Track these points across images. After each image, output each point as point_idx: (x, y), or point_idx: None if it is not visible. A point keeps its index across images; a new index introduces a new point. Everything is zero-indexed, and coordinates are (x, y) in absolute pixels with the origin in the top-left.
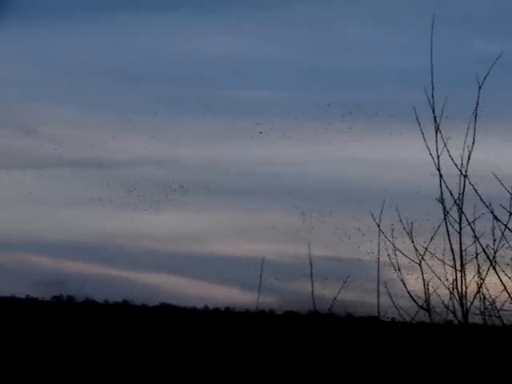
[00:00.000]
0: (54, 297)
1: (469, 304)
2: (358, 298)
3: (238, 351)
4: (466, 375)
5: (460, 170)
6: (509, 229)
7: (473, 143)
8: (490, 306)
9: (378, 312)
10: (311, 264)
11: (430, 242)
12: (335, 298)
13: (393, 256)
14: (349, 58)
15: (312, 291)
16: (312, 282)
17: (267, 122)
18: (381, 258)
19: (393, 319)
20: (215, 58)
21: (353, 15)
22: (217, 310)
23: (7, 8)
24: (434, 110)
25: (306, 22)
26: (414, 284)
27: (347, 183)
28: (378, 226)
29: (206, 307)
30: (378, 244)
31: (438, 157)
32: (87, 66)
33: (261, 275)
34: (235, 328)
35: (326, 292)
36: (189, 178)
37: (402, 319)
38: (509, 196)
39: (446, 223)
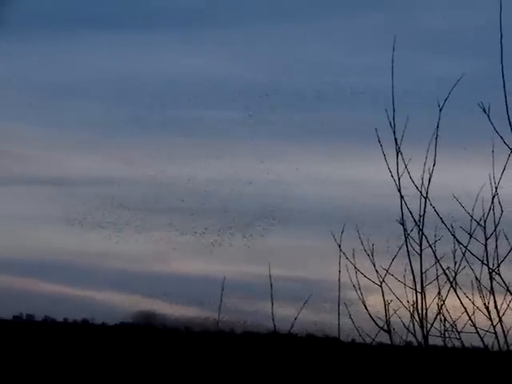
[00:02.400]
0: (15, 316)
1: (429, 326)
2: (319, 318)
3: (197, 371)
4: None
5: (420, 192)
6: (469, 251)
7: (433, 165)
8: (450, 328)
9: (339, 333)
10: (271, 284)
11: (390, 264)
12: (295, 318)
13: (354, 277)
14: (309, 79)
15: (272, 311)
16: (272, 302)
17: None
18: (342, 279)
19: (353, 340)
20: (174, 77)
21: (314, 36)
22: (176, 329)
23: None
24: (394, 132)
25: (266, 43)
26: (375, 305)
27: (309, 203)
28: (339, 246)
29: (165, 326)
30: (339, 265)
31: (399, 178)
32: (40, 85)
33: (221, 295)
34: (194, 347)
35: (287, 312)
36: (150, 197)
37: (362, 340)
38: (469, 218)
39: (406, 245)
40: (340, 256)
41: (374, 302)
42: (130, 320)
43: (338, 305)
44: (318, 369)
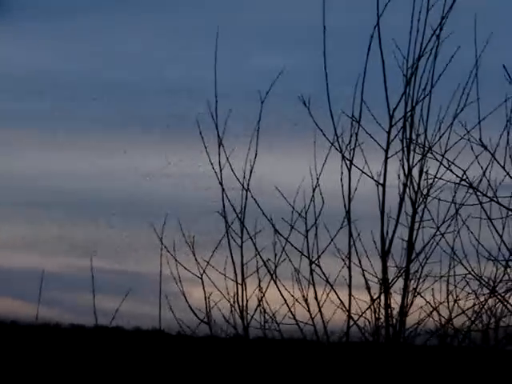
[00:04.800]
0: None
1: (250, 317)
2: (142, 310)
3: (22, 363)
4: None
5: (242, 184)
6: (290, 242)
7: (255, 157)
8: (270, 320)
9: (160, 325)
10: (93, 276)
11: (211, 256)
12: (117, 310)
13: (175, 270)
14: (129, 70)
15: (94, 304)
16: (94, 295)
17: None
18: (164, 272)
19: (178, 333)
20: None
21: (134, 28)
22: (2, 323)
23: None
24: (217, 125)
25: (87, 36)
26: (200, 298)
27: (131, 195)
28: (161, 239)
29: None
30: (160, 257)
31: (221, 170)
32: None
33: (40, 287)
34: (20, 340)
35: (109, 305)
36: None
37: (185, 333)
38: (291, 210)
39: (228, 237)
40: (161, 248)
41: (198, 295)
42: None
43: (160, 297)
44: (144, 361)
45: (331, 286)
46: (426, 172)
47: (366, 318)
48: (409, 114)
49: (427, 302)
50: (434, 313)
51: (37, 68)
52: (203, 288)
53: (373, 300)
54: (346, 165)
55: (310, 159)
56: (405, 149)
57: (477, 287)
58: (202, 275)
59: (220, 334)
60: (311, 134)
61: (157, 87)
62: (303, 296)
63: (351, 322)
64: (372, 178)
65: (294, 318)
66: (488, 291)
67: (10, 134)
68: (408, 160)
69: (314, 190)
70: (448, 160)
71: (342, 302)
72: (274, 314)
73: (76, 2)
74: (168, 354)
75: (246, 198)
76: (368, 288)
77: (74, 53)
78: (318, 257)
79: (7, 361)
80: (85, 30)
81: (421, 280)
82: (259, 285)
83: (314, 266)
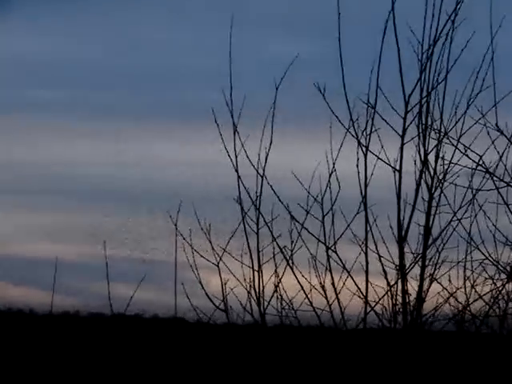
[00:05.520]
0: None
1: (266, 304)
2: (159, 298)
3: (46, 353)
4: (265, 375)
5: (257, 171)
6: (305, 228)
7: (270, 144)
8: (287, 307)
9: (175, 312)
10: (107, 264)
11: (228, 243)
12: (131, 297)
13: (191, 257)
14: (144, 59)
15: (108, 292)
16: (108, 283)
17: (59, 122)
18: (180, 259)
19: (198, 320)
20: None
21: (148, 14)
22: (20, 312)
23: None
24: (232, 111)
25: (100, 21)
26: (217, 285)
27: (145, 183)
28: (176, 226)
29: (9, 309)
30: (175, 244)
31: (236, 157)
32: None
33: (54, 276)
34: (39, 330)
35: (126, 293)
36: None
37: (202, 320)
38: (307, 196)
39: (243, 224)
40: (176, 235)
41: (215, 282)
42: None
43: (175, 285)
44: (162, 350)
45: (348, 272)
46: (442, 157)
47: (383, 304)
48: (424, 99)
49: (444, 287)
50: (451, 298)
51: (57, 56)
52: (220, 275)
53: (390, 286)
54: (362, 151)
55: (325, 145)
56: (421, 134)
57: (494, 272)
58: (218, 262)
59: (237, 321)
60: (327, 121)
61: (172, 75)
62: (320, 282)
63: (368, 309)
64: (388, 163)
65: (311, 304)
66: (505, 276)
67: (26, 122)
68: (424, 145)
69: (330, 176)
70: (464, 145)
71: (359, 288)
72: (290, 301)
73: None
74: (186, 342)
75: (262, 185)
76: (385, 274)
77: (95, 40)
78: (335, 243)
79: (28, 350)
80: (106, 17)
81: (438, 266)
82: (275, 271)
83: (330, 252)
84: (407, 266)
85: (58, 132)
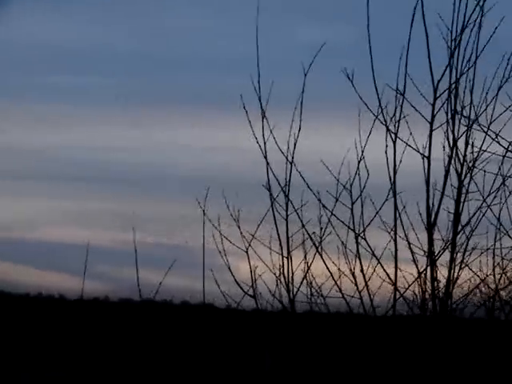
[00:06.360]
0: None
1: (295, 290)
2: (188, 284)
3: (75, 338)
4: (294, 362)
5: (286, 157)
6: (334, 215)
7: (299, 130)
8: (316, 293)
9: (204, 298)
10: (136, 250)
11: (257, 229)
12: (160, 283)
13: (220, 243)
14: (172, 45)
15: (137, 278)
16: (137, 269)
17: (92, 108)
18: (208, 245)
19: (227, 306)
20: (34, 43)
21: (174, 0)
22: (51, 297)
23: None
24: (260, 97)
25: (127, 8)
26: (243, 271)
27: (175, 169)
28: (204, 212)
29: (40, 294)
30: (203, 231)
31: (265, 143)
32: None
33: (86, 261)
34: (69, 315)
35: (155, 279)
36: (18, 164)
37: (231, 306)
38: (336, 183)
39: (272, 210)
40: (204, 222)
41: (244, 269)
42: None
43: (203, 271)
44: (192, 336)
45: (377, 259)
46: (472, 144)
47: (412, 291)
48: (453, 85)
49: (474, 273)
50: (481, 285)
51: (82, 43)
52: (249, 261)
53: (419, 273)
54: (391, 137)
55: (354, 132)
56: (450, 121)
57: None
58: (247, 249)
59: (266, 308)
60: (355, 107)
61: (198, 61)
62: (349, 269)
63: (398, 295)
64: (417, 150)
65: (341, 291)
66: None
67: (56, 109)
68: (453, 132)
69: (358, 163)
70: (494, 132)
71: (388, 275)
72: (320, 288)
73: None
74: (215, 328)
75: (291, 171)
76: (414, 261)
77: (120, 28)
78: (364, 230)
79: (58, 335)
80: (131, 4)
81: (467, 252)
82: (305, 258)
83: (359, 238)
84: (436, 252)
85: (88, 118)
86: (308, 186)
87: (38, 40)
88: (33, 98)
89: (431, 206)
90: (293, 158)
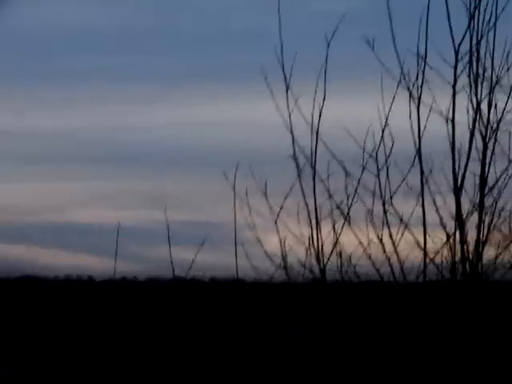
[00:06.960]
0: None
1: (326, 260)
2: (218, 260)
3: (106, 319)
4: (326, 331)
5: (311, 128)
6: (361, 184)
7: (323, 100)
8: (346, 263)
9: (237, 273)
10: (168, 228)
11: (284, 201)
12: (193, 261)
13: (249, 217)
14: (194, 20)
15: (170, 256)
16: (170, 247)
17: (110, 88)
18: (238, 220)
19: (256, 280)
20: (50, 24)
21: None
22: (80, 279)
23: None
24: (283, 69)
25: None
26: (272, 244)
27: (200, 145)
28: (233, 187)
29: (69, 276)
30: (234, 205)
31: (290, 115)
32: None
33: (117, 241)
34: (99, 296)
35: (185, 256)
36: (41, 147)
37: (261, 280)
38: (361, 152)
39: (300, 181)
40: (234, 196)
41: (274, 243)
42: (32, 273)
43: (235, 245)
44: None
45: (405, 225)
46: (495, 106)
47: (442, 255)
48: (474, 48)
49: (503, 234)
50: (511, 246)
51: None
52: (278, 234)
53: (448, 236)
54: (414, 103)
55: (377, 99)
56: (472, 83)
57: None
58: (276, 221)
59: (297, 279)
60: (377, 75)
61: (221, 35)
62: (378, 236)
63: (427, 260)
64: (441, 114)
65: (370, 258)
66: None
67: (83, 90)
68: (476, 94)
69: (383, 131)
70: None
71: (417, 240)
72: (349, 256)
73: None
74: (246, 303)
75: (317, 142)
76: (442, 225)
77: (144, 6)
78: (391, 197)
79: (87, 316)
80: None
81: (495, 214)
82: (333, 228)
83: (387, 206)
84: (464, 215)
85: (114, 98)
86: (334, 156)
87: (62, 21)
88: (58, 80)
89: (457, 169)
90: (318, 128)
